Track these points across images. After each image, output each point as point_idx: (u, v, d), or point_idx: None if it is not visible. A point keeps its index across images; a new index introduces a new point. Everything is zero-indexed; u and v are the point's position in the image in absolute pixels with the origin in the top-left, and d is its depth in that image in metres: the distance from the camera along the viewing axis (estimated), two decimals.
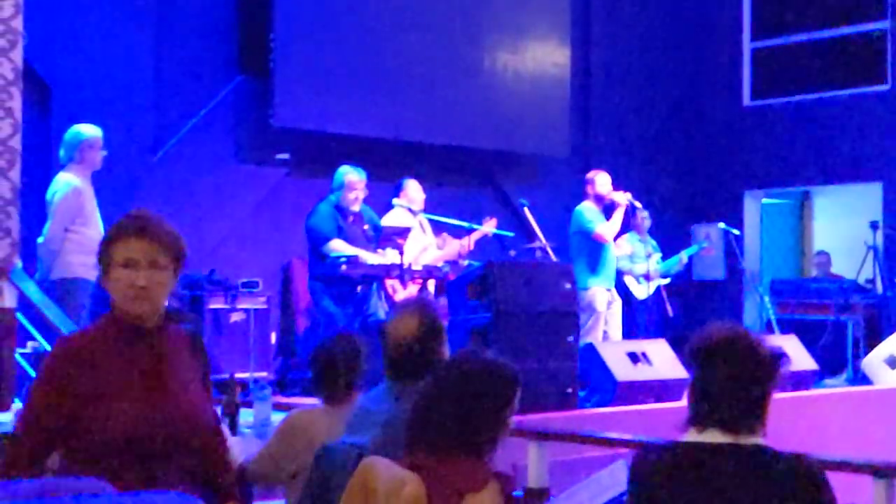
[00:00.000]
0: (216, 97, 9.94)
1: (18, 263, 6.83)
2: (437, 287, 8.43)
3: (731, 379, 2.90)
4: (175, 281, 3.06)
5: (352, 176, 8.24)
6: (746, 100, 13.43)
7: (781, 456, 2.86)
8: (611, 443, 4.94)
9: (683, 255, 10.95)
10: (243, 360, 8.11)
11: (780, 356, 2.98)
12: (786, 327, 10.51)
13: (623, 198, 9.09)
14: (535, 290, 6.94)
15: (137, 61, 9.40)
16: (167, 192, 9.17)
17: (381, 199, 8.81)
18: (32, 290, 6.77)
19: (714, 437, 2.89)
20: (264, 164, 10.14)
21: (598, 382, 7.29)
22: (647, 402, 7.17)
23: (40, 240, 7.11)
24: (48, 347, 6.95)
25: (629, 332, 9.76)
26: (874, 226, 10.77)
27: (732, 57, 13.41)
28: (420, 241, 8.75)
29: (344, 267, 7.90)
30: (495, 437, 3.20)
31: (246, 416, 5.67)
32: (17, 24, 6.80)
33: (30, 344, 7.28)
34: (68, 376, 2.90)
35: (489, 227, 9.15)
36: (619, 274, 9.78)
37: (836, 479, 2.98)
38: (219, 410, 4.45)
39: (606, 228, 8.98)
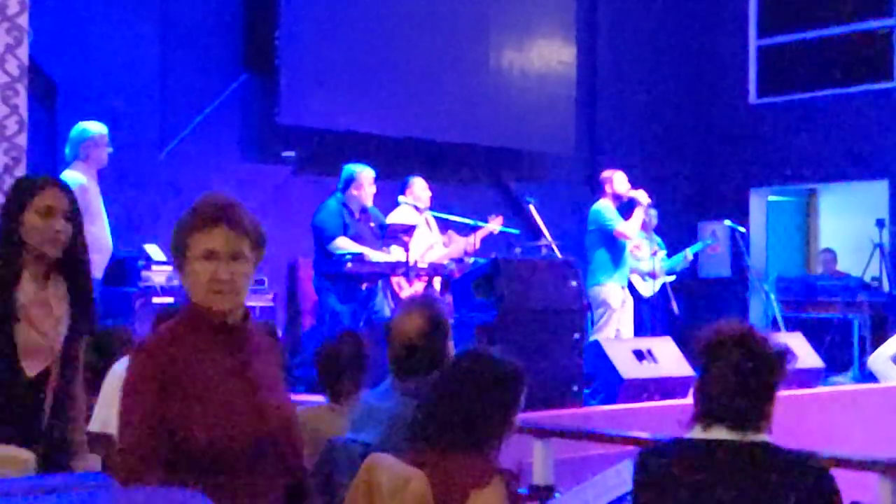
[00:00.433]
0: (222, 95, 9.94)
1: None
2: (442, 284, 8.43)
3: (737, 376, 2.90)
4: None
5: (361, 173, 8.25)
6: (752, 97, 13.41)
7: (787, 453, 2.86)
8: (616, 440, 4.94)
9: (688, 253, 10.93)
10: None
11: (785, 354, 2.98)
12: (791, 325, 10.50)
13: (644, 196, 9.25)
14: (540, 288, 6.93)
15: (143, 59, 9.40)
16: (173, 189, 9.17)
17: (387, 197, 8.81)
18: None
19: (720, 434, 2.89)
20: (270, 162, 10.14)
21: (603, 380, 7.29)
22: (652, 399, 7.16)
23: None
24: None
25: (634, 330, 9.75)
26: (880, 223, 10.76)
27: (738, 54, 13.39)
28: (426, 238, 8.75)
29: (350, 264, 7.90)
30: (500, 435, 3.21)
31: None
32: (23, 21, 6.80)
33: None
34: (164, 375, 2.66)
35: (495, 224, 9.15)
36: None
37: (841, 476, 2.97)
38: None
39: (627, 226, 9.12)
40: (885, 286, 11.03)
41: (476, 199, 10.88)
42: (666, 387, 7.25)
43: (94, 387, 4.67)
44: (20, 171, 6.80)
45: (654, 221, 10.85)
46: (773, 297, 10.97)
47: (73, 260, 3.55)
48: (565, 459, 5.14)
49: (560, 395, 6.78)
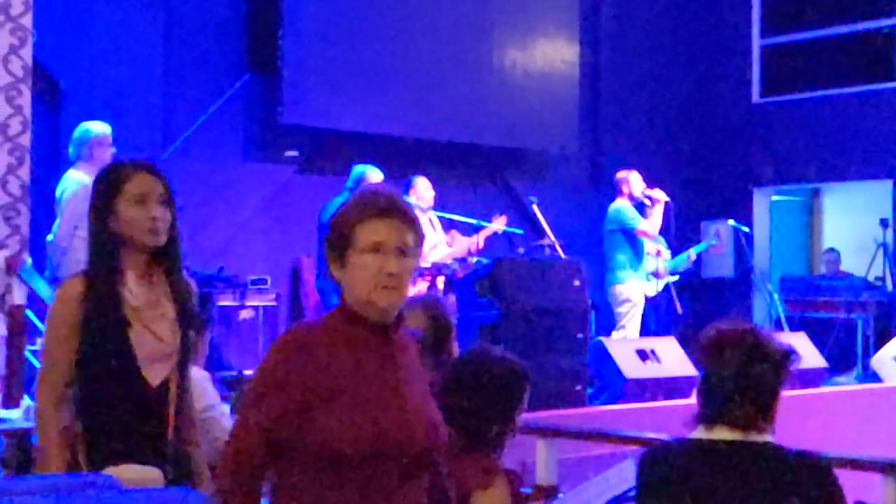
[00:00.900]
0: (225, 94, 9.94)
1: (28, 261, 6.84)
2: (446, 284, 8.43)
3: (741, 376, 2.89)
4: None
5: (370, 173, 8.26)
6: (756, 97, 13.40)
7: (790, 453, 2.86)
8: (619, 440, 4.94)
9: (692, 253, 10.92)
10: (252, 358, 8.12)
11: (789, 353, 2.98)
12: (795, 325, 10.49)
13: (662, 195, 9.32)
14: (543, 287, 6.93)
15: (146, 59, 9.41)
16: (176, 189, 9.17)
17: None
18: (42, 288, 6.78)
19: (723, 434, 2.89)
20: (273, 162, 10.15)
21: (606, 380, 7.29)
22: (655, 399, 7.16)
23: (50, 237, 7.12)
24: None
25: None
26: (884, 223, 10.75)
27: (742, 54, 13.38)
28: (429, 238, 8.75)
29: None
30: (504, 434, 3.21)
31: None
32: (27, 21, 6.81)
33: (39, 341, 7.28)
34: (297, 373, 2.47)
35: (498, 224, 9.16)
36: None
37: (845, 476, 2.97)
38: (227, 408, 4.45)
39: (649, 225, 9.26)
40: (889, 286, 11.02)
41: (479, 199, 10.88)
42: (669, 387, 7.25)
43: None
44: (24, 171, 6.82)
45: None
46: (776, 296, 10.97)
47: (171, 250, 3.25)
48: (569, 459, 5.14)
49: (563, 395, 6.78)
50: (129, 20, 9.30)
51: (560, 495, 4.57)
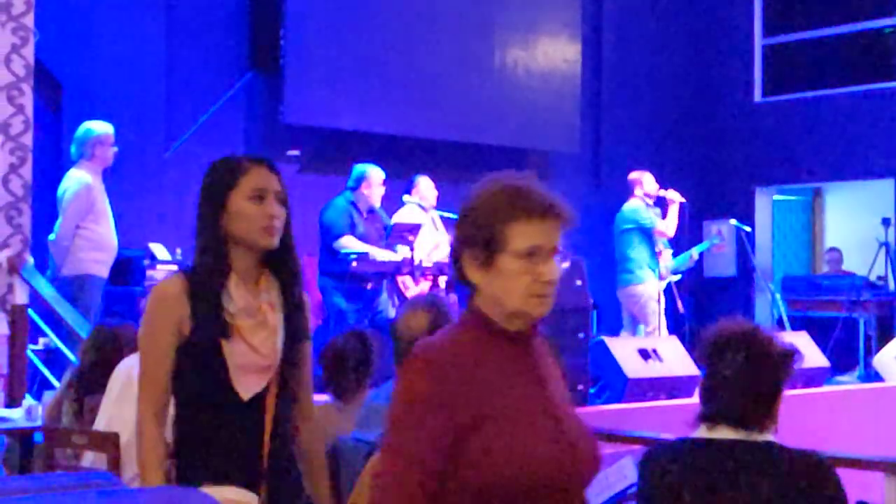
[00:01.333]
0: (227, 94, 9.94)
1: (30, 260, 6.85)
2: (447, 284, 8.42)
3: (743, 376, 2.89)
4: None
5: (372, 173, 8.26)
6: (758, 96, 13.39)
7: (792, 453, 2.85)
8: (621, 439, 4.94)
9: (694, 252, 10.92)
10: None
11: (791, 353, 2.97)
12: (797, 324, 10.49)
13: (677, 195, 9.45)
14: None
15: (149, 58, 9.41)
16: (178, 188, 9.17)
17: (393, 196, 8.81)
18: (44, 287, 6.78)
19: (725, 433, 2.88)
20: (275, 161, 10.12)
21: (608, 379, 7.28)
22: (657, 398, 7.15)
23: (52, 237, 7.13)
24: (59, 344, 6.98)
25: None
26: (886, 222, 10.74)
27: (744, 53, 13.38)
28: (431, 237, 8.75)
29: (355, 263, 7.91)
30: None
31: None
32: (29, 21, 6.82)
33: (41, 340, 7.30)
34: (456, 393, 2.16)
35: None
36: None
37: (847, 476, 2.97)
38: None
39: (665, 225, 9.41)
40: (891, 285, 11.01)
41: None
42: (671, 386, 7.24)
43: (98, 385, 4.67)
44: (26, 171, 6.83)
45: None
46: (778, 296, 10.97)
47: (287, 257, 3.06)
48: None
49: None
50: (130, 19, 9.30)
51: None
